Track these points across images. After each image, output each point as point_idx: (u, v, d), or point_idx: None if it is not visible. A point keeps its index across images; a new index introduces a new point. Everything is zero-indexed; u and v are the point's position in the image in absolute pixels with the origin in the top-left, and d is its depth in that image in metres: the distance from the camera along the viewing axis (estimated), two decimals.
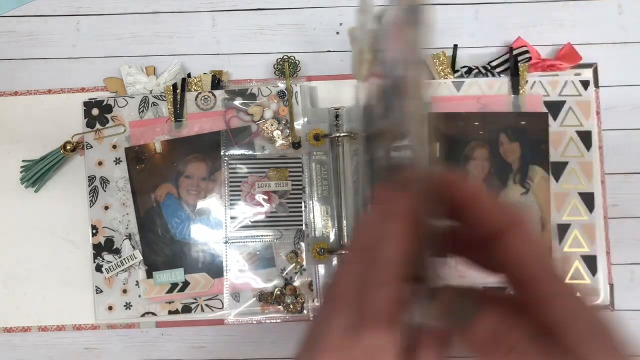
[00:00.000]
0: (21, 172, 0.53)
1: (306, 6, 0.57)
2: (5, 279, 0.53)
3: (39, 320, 0.53)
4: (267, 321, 0.51)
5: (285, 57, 0.54)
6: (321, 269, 0.52)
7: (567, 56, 0.53)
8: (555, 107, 0.51)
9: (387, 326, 0.21)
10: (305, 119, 0.53)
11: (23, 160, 0.53)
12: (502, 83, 0.52)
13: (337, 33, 0.56)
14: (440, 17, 0.56)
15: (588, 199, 0.51)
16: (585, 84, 0.52)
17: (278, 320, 0.51)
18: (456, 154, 0.51)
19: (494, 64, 0.53)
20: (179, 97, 0.53)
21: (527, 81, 0.52)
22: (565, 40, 0.54)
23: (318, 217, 0.52)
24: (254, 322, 0.51)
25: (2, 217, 0.54)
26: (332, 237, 0.52)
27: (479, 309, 0.22)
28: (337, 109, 0.53)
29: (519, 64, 0.52)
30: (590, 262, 0.51)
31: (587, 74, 0.53)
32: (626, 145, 0.54)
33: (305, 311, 0.51)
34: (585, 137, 0.51)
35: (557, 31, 0.56)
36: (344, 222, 0.52)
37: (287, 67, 0.53)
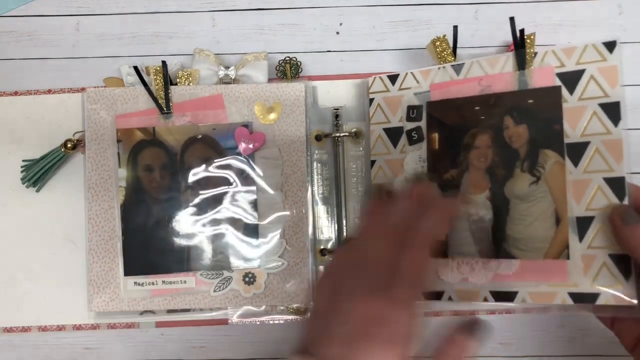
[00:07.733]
0: (22, 171, 0.53)
1: (306, 6, 0.57)
2: (5, 279, 0.53)
3: (39, 320, 0.53)
4: (271, 322, 0.51)
5: (287, 58, 0.53)
6: (322, 269, 0.52)
7: None
8: (571, 79, 0.43)
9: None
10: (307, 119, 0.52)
11: (23, 160, 0.53)
12: (507, 58, 0.45)
13: (337, 33, 0.56)
14: (440, 16, 0.56)
15: (617, 185, 0.41)
16: (610, 45, 0.42)
17: (281, 321, 0.51)
18: (455, 144, 0.47)
19: None
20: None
21: (535, 53, 0.44)
22: (565, 40, 0.54)
23: (318, 217, 0.52)
24: (258, 322, 0.51)
25: (2, 217, 0.54)
26: (332, 237, 0.52)
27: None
28: (337, 109, 0.53)
29: (525, 35, 0.45)
30: (623, 262, 0.40)
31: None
32: (626, 145, 0.54)
33: (308, 313, 0.51)
34: (612, 110, 0.42)
35: (557, 31, 0.56)
36: (344, 222, 0.52)
37: (288, 69, 0.53)
